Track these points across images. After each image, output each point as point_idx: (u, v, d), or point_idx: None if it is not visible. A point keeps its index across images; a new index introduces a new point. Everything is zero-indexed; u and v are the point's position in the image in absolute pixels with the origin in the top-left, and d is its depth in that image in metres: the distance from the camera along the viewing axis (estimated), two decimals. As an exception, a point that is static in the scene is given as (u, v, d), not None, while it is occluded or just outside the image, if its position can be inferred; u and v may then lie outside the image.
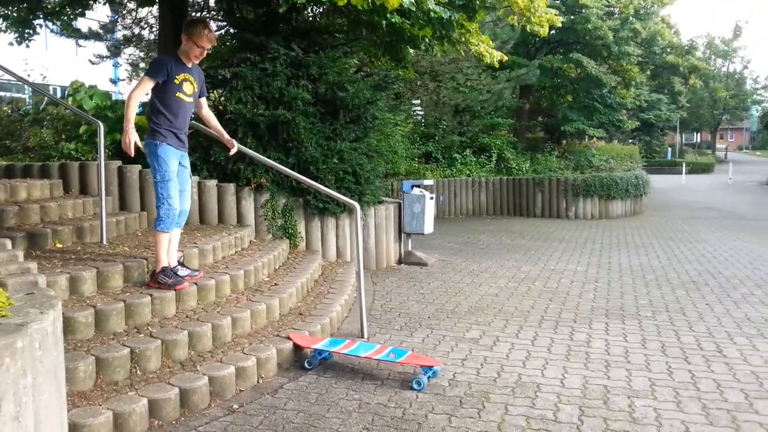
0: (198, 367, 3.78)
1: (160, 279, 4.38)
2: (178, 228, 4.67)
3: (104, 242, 5.09)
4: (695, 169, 38.65)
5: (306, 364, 4.27)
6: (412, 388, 3.94)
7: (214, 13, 11.65)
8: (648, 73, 26.78)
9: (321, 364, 4.36)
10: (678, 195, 22.17)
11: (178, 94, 4.45)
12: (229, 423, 3.42)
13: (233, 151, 5.19)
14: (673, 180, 30.18)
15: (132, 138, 4.21)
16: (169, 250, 4.53)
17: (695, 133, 64.46)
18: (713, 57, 54.41)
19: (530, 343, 4.95)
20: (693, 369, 4.36)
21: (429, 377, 4.06)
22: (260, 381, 4.00)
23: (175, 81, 4.41)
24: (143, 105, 8.38)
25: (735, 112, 57.73)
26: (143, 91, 4.37)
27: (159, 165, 4.40)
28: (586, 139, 23.40)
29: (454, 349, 4.77)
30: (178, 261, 4.66)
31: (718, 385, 4.05)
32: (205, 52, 4.51)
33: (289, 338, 4.40)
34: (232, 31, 9.36)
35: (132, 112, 4.28)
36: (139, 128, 7.18)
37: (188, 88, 4.51)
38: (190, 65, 4.51)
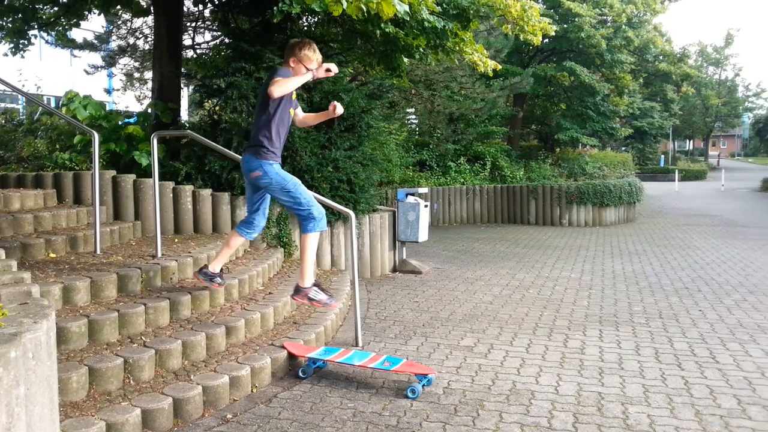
0: (192, 377, 3.77)
1: (312, 295, 4.43)
2: (249, 239, 4.77)
3: (98, 252, 5.09)
4: (688, 176, 38.85)
5: (300, 373, 4.27)
6: (406, 397, 3.94)
7: (209, 23, 11.68)
8: (641, 80, 26.99)
9: (315, 372, 4.36)
10: (671, 202, 22.26)
11: (291, 110, 4.49)
12: (224, 432, 3.42)
13: (339, 110, 4.62)
14: (666, 187, 30.35)
15: (322, 66, 4.20)
16: (222, 257, 4.67)
17: (688, 141, 64.85)
18: (705, 65, 54.77)
19: (525, 350, 4.96)
20: (686, 375, 4.38)
21: (424, 385, 4.06)
22: (254, 390, 3.99)
23: (293, 96, 4.44)
24: (147, 116, 8.35)
25: (727, 119, 58.12)
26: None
27: (282, 179, 4.31)
28: (580, 147, 23.56)
29: (449, 357, 4.78)
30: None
31: (711, 391, 4.07)
32: None
33: (283, 347, 4.40)
34: (227, 41, 9.39)
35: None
36: (135, 138, 7.22)
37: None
38: None
